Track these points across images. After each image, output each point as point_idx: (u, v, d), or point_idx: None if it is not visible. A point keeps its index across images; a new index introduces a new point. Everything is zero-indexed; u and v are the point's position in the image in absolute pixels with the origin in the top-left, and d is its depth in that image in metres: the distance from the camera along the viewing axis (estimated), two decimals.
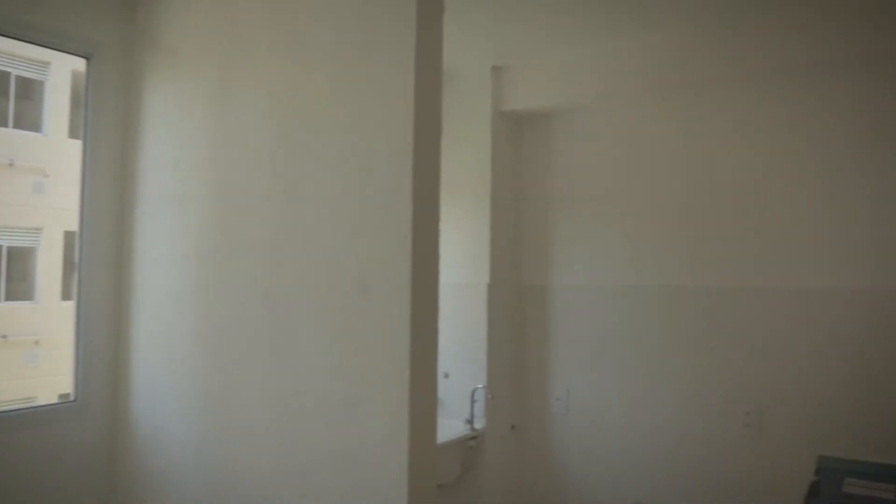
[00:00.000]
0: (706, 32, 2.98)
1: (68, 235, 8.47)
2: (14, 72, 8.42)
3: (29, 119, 8.74)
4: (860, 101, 2.79)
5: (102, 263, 2.81)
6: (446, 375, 3.41)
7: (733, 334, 3.02)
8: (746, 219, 3.01)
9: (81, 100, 2.85)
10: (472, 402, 3.35)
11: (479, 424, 3.35)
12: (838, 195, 2.82)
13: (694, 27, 2.99)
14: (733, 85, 3.05)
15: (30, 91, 8.70)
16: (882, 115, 2.75)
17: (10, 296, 8.68)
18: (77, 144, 2.87)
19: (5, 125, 8.59)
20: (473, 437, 3.32)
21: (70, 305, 2.84)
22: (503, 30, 3.13)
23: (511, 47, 3.34)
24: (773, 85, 2.96)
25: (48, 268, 8.82)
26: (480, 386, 3.35)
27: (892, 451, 2.65)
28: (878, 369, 2.71)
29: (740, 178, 3.03)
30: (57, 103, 8.75)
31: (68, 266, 8.39)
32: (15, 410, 2.81)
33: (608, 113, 3.41)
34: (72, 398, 2.76)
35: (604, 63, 3.25)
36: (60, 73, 8.66)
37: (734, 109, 3.06)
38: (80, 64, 2.83)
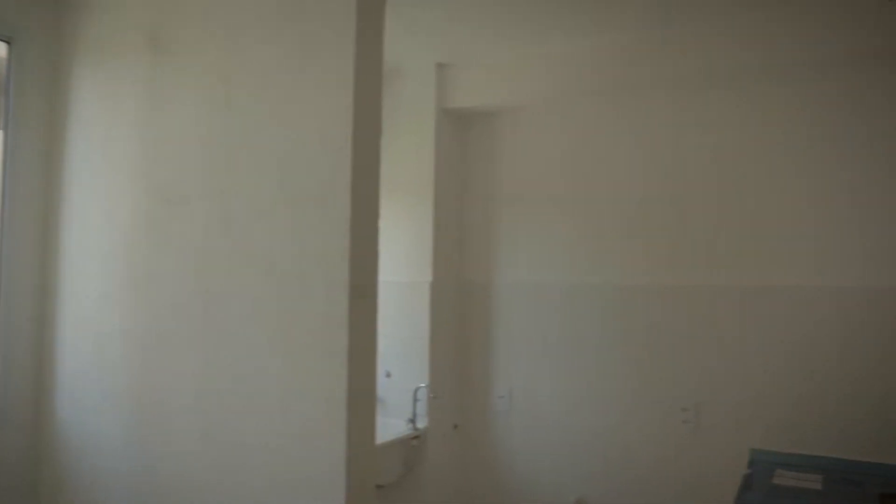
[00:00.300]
0: (654, 34, 3.02)
1: None
2: None
3: None
4: (805, 105, 2.88)
5: (25, 261, 2.67)
6: (388, 375, 3.38)
7: (672, 332, 3.08)
8: (690, 219, 3.07)
9: (2, 87, 2.69)
10: (415, 401, 3.32)
11: (421, 424, 3.33)
12: (788, 195, 2.90)
13: (642, 29, 3.02)
14: (684, 86, 3.10)
15: None
16: (834, 116, 2.84)
17: None
18: None
19: None
20: (416, 437, 3.30)
21: None
22: (448, 27, 3.12)
23: (456, 45, 3.33)
24: (728, 86, 3.02)
25: None
26: (423, 385, 3.33)
27: (819, 442, 2.74)
28: (812, 366, 2.80)
29: (686, 178, 3.09)
30: None
31: None
32: None
33: (554, 112, 3.43)
34: None
35: (551, 63, 3.27)
36: None
37: (685, 110, 3.12)
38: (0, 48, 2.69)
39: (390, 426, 3.25)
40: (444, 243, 3.51)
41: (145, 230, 2.44)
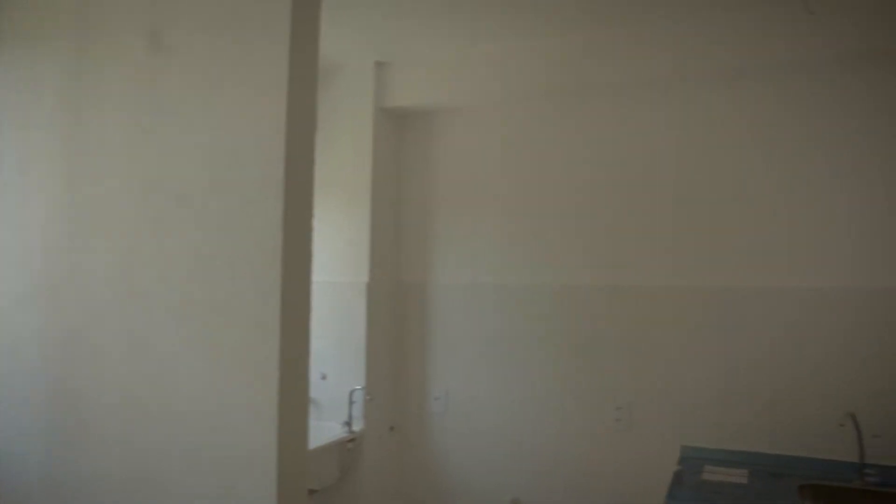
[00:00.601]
0: (595, 37, 3.07)
1: None
2: None
3: None
4: (745, 106, 2.96)
5: None
6: (324, 377, 3.32)
7: (607, 332, 3.12)
8: (628, 221, 3.12)
9: None
10: (351, 403, 3.28)
11: (357, 426, 3.29)
12: (725, 197, 2.96)
13: (583, 31, 3.06)
14: (624, 89, 3.14)
15: None
16: (774, 116, 2.93)
17: None
18: None
19: None
20: (352, 440, 3.25)
21: None
22: (387, 26, 3.08)
23: (395, 43, 3.30)
24: (668, 89, 3.08)
25: None
26: (359, 387, 3.29)
27: (745, 438, 2.83)
28: (738, 364, 2.89)
29: (625, 181, 3.14)
30: None
31: None
32: None
33: (493, 113, 3.44)
34: None
35: (491, 64, 3.28)
36: None
37: (625, 113, 3.16)
38: None
39: (325, 429, 3.19)
40: (382, 243, 3.47)
41: (66, 229, 2.31)
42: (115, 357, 2.20)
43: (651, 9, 2.83)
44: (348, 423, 3.27)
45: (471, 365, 3.39)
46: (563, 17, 2.93)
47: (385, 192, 3.51)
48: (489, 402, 3.33)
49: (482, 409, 3.34)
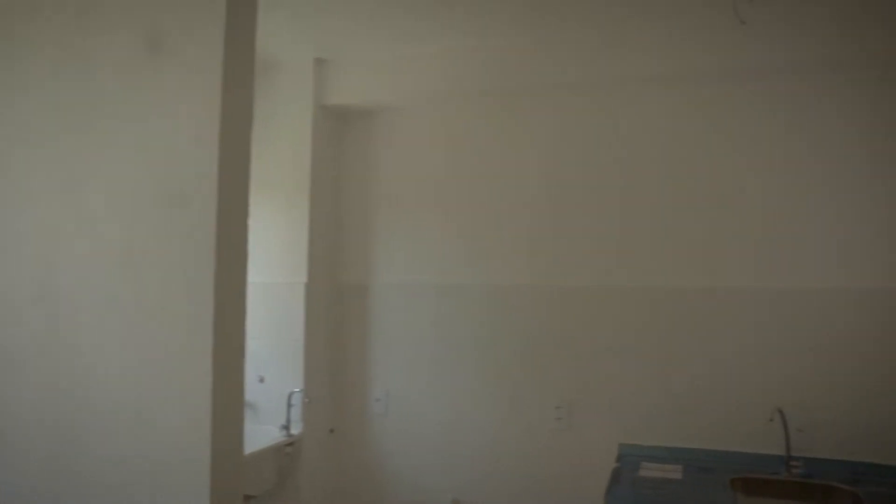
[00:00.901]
0: (536, 37, 3.08)
1: None
2: None
3: None
4: (687, 107, 3.03)
5: None
6: (261, 380, 3.24)
7: (547, 332, 3.15)
8: (568, 221, 3.15)
9: None
10: (289, 406, 3.21)
11: (295, 430, 3.22)
12: (663, 197, 3.02)
13: (524, 32, 3.07)
14: (565, 90, 3.17)
15: None
16: (715, 119, 3.02)
17: None
18: None
19: None
20: (290, 444, 3.18)
21: None
22: (328, 22, 3.03)
23: (336, 40, 3.25)
24: (609, 91, 3.12)
25: None
26: (297, 389, 3.22)
27: (680, 435, 2.90)
28: (672, 363, 2.96)
29: (566, 181, 3.17)
30: None
31: None
32: None
33: (434, 112, 3.42)
34: None
35: (432, 62, 3.26)
36: None
37: (567, 113, 3.18)
38: None
39: (263, 433, 3.12)
40: (321, 243, 3.41)
41: None
42: (34, 362, 2.09)
43: (595, 11, 2.87)
44: (286, 427, 3.20)
45: (412, 365, 3.36)
46: (507, 17, 2.93)
47: (325, 191, 3.45)
48: (430, 403, 3.32)
49: (423, 410, 3.33)
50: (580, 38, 3.03)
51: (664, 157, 3.04)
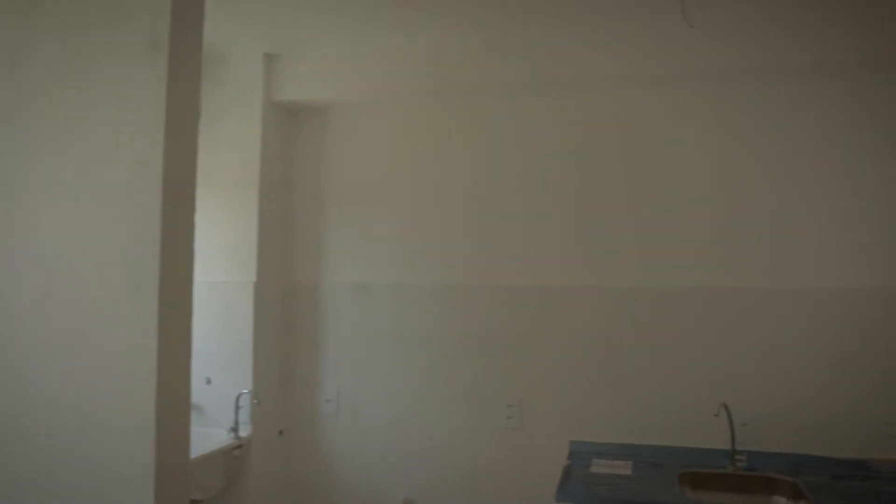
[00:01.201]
0: (491, 36, 3.08)
1: None
2: None
3: None
4: (635, 108, 3.09)
5: None
6: (208, 381, 3.16)
7: (497, 331, 3.16)
8: (520, 220, 3.17)
9: None
10: (237, 408, 3.14)
11: (244, 432, 3.15)
12: (614, 197, 3.06)
13: (480, 31, 3.06)
14: (519, 89, 3.18)
15: None
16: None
17: None
18: None
19: None
20: (238, 446, 3.11)
21: None
22: (278, 16, 2.97)
23: (287, 35, 3.19)
24: (564, 91, 3.14)
25: None
26: (246, 391, 3.16)
27: (630, 431, 2.95)
28: (621, 360, 3.00)
29: (519, 180, 3.18)
30: None
31: None
32: None
33: (387, 110, 3.39)
34: None
35: (384, 59, 3.22)
36: None
37: (520, 112, 3.20)
38: None
39: (210, 436, 3.04)
40: (271, 241, 3.35)
41: None
42: None
43: (547, 13, 2.88)
44: (235, 429, 3.13)
45: (363, 366, 3.33)
46: (461, 15, 2.93)
47: (274, 188, 3.39)
48: (382, 403, 3.29)
49: (375, 411, 3.30)
50: (532, 38, 3.05)
51: (616, 157, 3.08)
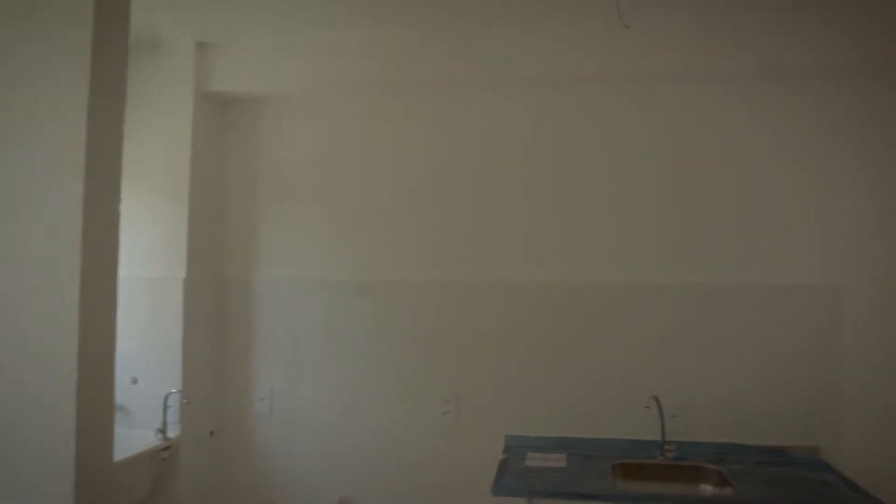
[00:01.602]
0: (426, 33, 3.07)
1: None
2: None
3: None
4: (573, 105, 3.12)
5: None
6: (134, 381, 3.04)
7: (433, 326, 3.15)
8: (453, 215, 3.16)
9: None
10: (165, 408, 3.03)
11: (173, 433, 3.05)
12: (551, 192, 3.09)
13: (416, 27, 3.04)
14: (450, 85, 3.17)
15: None
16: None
17: None
18: None
19: None
20: (167, 448, 3.00)
21: None
22: (211, 3, 2.87)
23: (220, 24, 3.08)
24: (494, 89, 3.16)
25: None
26: (175, 390, 3.05)
27: (564, 425, 2.99)
28: (556, 355, 3.04)
29: (450, 176, 3.18)
30: None
31: None
32: None
33: (321, 104, 3.33)
34: None
35: (320, 52, 3.15)
36: None
37: (451, 109, 3.20)
38: None
39: (136, 437, 2.92)
40: (201, 237, 3.24)
41: None
42: None
43: (482, 11, 2.89)
44: (163, 430, 3.02)
45: (297, 363, 3.26)
46: (396, 7, 2.90)
47: (206, 181, 3.28)
48: (316, 401, 3.24)
49: (309, 408, 3.24)
50: (466, 34, 3.05)
51: (557, 153, 3.11)
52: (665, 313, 2.97)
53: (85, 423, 1.76)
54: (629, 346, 2.99)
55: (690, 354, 2.93)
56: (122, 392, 2.96)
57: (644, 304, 2.99)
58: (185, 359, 3.11)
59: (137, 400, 3.06)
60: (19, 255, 1.78)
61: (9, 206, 1.79)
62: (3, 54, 1.82)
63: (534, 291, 3.08)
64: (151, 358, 3.08)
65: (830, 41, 2.78)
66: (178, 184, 3.15)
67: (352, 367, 3.21)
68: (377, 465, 3.16)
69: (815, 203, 2.91)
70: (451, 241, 3.17)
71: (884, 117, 2.87)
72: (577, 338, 3.04)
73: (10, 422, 1.77)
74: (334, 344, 3.23)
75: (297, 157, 3.34)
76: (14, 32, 1.82)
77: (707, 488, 2.68)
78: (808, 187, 2.92)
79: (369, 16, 2.97)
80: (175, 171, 3.15)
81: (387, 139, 3.26)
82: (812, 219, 2.91)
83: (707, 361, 2.92)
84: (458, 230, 3.16)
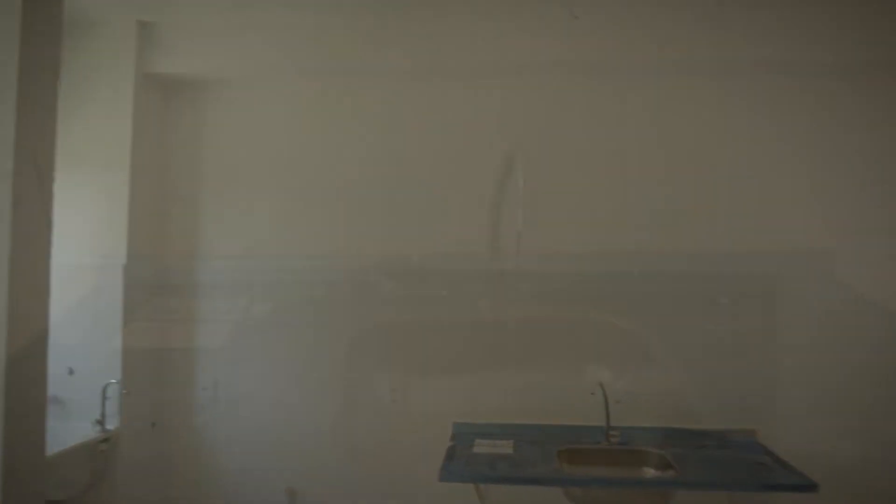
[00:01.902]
0: (380, 19, 3.03)
1: None
2: None
3: None
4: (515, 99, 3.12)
5: None
6: (70, 372, 2.94)
7: (379, 313, 3.13)
8: (401, 200, 3.14)
9: None
10: (104, 399, 2.94)
11: (111, 425, 2.96)
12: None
13: (375, 13, 3.00)
14: (399, 75, 3.15)
15: None
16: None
17: None
18: None
19: None
20: (105, 440, 2.92)
21: None
22: None
23: (165, 1, 2.98)
24: (449, 78, 3.15)
25: None
26: (114, 381, 2.96)
27: (510, 412, 3.01)
28: (503, 342, 3.06)
29: (399, 163, 3.16)
30: None
31: None
32: None
33: (273, 85, 3.26)
34: None
35: (267, 34, 3.09)
36: None
37: (399, 98, 3.17)
38: None
39: (72, 430, 2.84)
40: (143, 222, 3.14)
41: None
42: None
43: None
44: (101, 422, 2.93)
45: (242, 351, 3.21)
46: None
47: (148, 165, 3.17)
48: (261, 390, 3.19)
49: (255, 398, 3.19)
50: (418, 24, 3.02)
51: (501, 141, 3.12)
52: (607, 300, 3.01)
53: (14, 415, 1.69)
54: (574, 334, 3.02)
55: (634, 341, 2.98)
56: (57, 383, 2.85)
57: (588, 290, 3.03)
58: (125, 347, 3.01)
59: (75, 391, 2.96)
60: None
61: None
62: None
63: (482, 278, 3.09)
64: (89, 347, 2.98)
65: (839, 36, 2.85)
66: (117, 167, 3.05)
67: (298, 356, 3.17)
68: (324, 454, 3.14)
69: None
70: (396, 227, 3.14)
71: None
72: (522, 324, 3.05)
73: None
74: (281, 332, 3.19)
75: (246, 140, 3.27)
76: None
77: (650, 471, 2.74)
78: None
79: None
80: (115, 154, 3.05)
81: (336, 121, 3.21)
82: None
83: (650, 348, 2.97)
84: (406, 212, 3.13)
